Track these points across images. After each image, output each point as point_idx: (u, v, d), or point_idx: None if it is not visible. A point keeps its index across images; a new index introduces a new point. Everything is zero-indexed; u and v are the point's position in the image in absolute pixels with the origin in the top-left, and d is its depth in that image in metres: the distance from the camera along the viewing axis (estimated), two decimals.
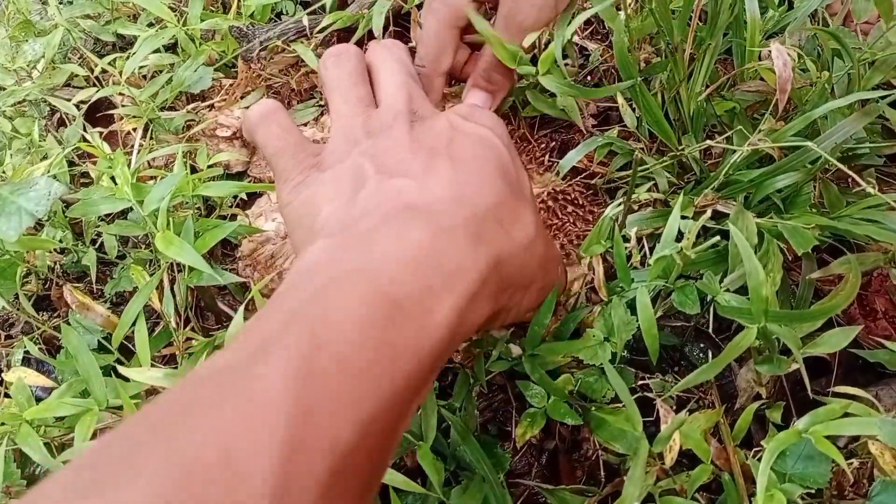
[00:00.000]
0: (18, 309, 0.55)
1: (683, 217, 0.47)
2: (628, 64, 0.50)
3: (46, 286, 0.61)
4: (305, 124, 0.63)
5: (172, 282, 0.54)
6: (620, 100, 0.57)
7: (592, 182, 0.57)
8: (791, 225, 0.44)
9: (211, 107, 0.65)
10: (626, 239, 0.48)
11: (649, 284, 0.44)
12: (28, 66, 0.68)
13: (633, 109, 0.57)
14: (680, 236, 0.45)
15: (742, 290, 0.44)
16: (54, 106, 0.72)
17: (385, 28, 0.67)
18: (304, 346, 0.26)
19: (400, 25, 0.68)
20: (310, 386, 0.24)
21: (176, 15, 0.64)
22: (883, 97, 0.45)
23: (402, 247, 0.30)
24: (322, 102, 0.63)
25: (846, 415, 0.39)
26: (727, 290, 0.43)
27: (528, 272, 0.38)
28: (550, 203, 0.56)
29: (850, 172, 0.40)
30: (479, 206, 0.34)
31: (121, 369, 0.47)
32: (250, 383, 0.24)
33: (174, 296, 0.54)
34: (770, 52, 0.49)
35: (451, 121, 0.40)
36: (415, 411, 0.32)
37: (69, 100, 0.65)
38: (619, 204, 0.52)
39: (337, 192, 0.37)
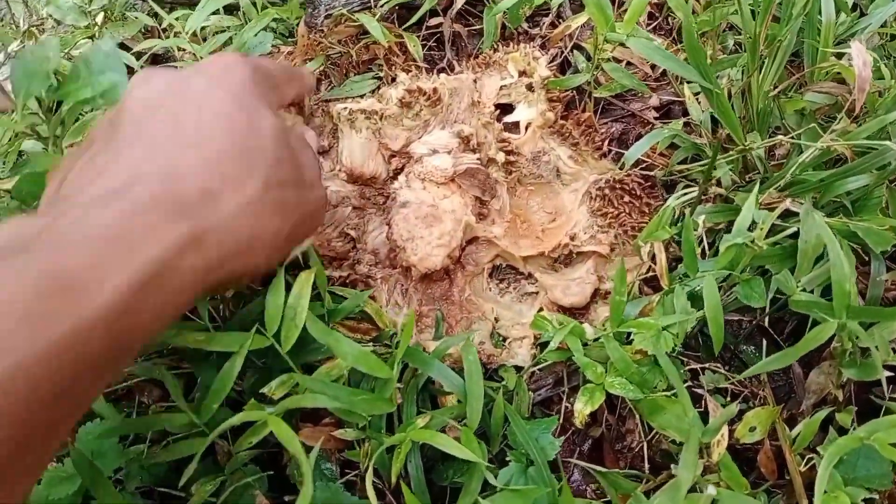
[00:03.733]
0: None
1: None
2: (698, 48, 0.49)
3: None
4: (362, 96, 0.62)
5: None
6: (687, 92, 0.56)
7: (651, 174, 0.56)
8: (866, 225, 0.43)
9: None
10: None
11: (717, 273, 0.43)
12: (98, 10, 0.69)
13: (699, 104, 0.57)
14: (748, 230, 0.44)
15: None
16: None
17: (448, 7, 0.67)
18: None
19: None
20: None
21: None
22: None
23: (88, 224, 0.30)
24: (381, 74, 0.63)
25: None
26: (803, 290, 0.42)
27: (257, 234, 0.36)
28: (608, 192, 0.55)
29: None
30: (189, 176, 0.34)
31: None
32: None
33: None
34: (845, 54, 0.48)
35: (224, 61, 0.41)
36: (103, 383, 0.31)
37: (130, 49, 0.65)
38: (683, 195, 0.51)
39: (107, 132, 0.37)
